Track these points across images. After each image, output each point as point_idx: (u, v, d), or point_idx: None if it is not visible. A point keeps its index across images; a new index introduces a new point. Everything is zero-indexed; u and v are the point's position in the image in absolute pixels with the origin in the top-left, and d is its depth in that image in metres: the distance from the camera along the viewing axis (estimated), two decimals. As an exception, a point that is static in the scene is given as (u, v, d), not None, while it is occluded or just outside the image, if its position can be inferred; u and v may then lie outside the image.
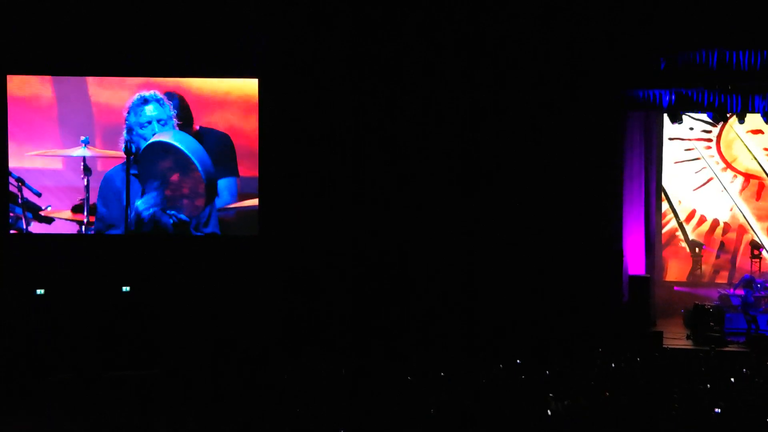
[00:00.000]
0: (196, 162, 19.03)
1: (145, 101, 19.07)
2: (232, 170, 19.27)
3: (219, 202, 19.26)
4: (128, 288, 18.63)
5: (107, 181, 19.11)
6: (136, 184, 19.01)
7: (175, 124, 19.10)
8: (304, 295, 18.92)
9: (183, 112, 19.18)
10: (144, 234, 19.04)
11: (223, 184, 19.26)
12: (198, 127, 19.22)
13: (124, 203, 18.97)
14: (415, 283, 19.12)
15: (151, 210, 18.97)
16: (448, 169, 19.20)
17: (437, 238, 19.11)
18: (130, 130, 19.04)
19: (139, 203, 18.99)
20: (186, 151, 19.01)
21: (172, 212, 19.02)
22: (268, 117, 19.16)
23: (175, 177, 19.12)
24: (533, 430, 11.61)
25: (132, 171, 18.97)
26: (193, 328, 18.16)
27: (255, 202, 19.31)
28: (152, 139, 19.03)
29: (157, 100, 19.07)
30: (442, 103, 19.14)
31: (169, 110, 19.07)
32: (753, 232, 21.51)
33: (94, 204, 19.03)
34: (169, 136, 19.09)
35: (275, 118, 19.11)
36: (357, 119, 19.19)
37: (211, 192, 19.20)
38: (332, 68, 19.04)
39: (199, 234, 19.16)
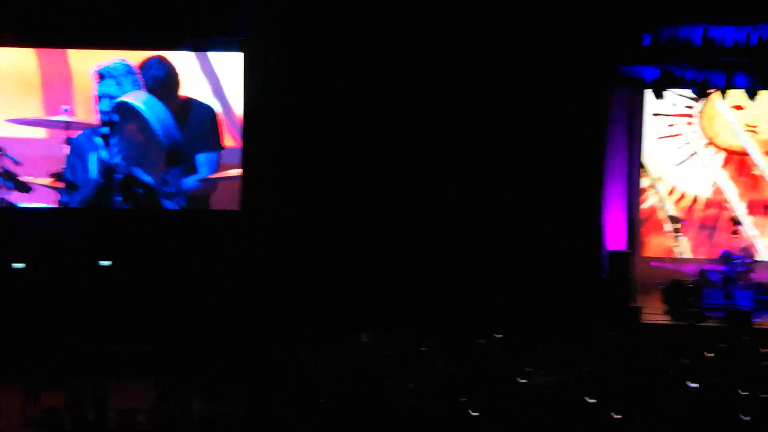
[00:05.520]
0: (156, 127, 19.06)
1: (101, 76, 19.07)
2: (214, 144, 19.28)
3: (199, 175, 19.29)
4: (108, 263, 18.62)
5: (75, 146, 19.14)
6: (103, 146, 19.09)
7: (145, 89, 19.09)
8: (290, 272, 18.90)
9: (168, 80, 19.17)
10: (116, 200, 19.12)
11: (204, 158, 19.26)
12: (181, 97, 19.22)
13: (90, 165, 19.06)
14: (401, 256, 19.13)
15: (117, 160, 18.93)
16: (435, 142, 19.18)
17: (424, 210, 19.11)
18: (99, 99, 19.06)
19: (104, 153, 18.97)
20: (146, 115, 19.06)
21: (138, 170, 19.04)
22: (254, 91, 19.12)
23: (139, 138, 19.16)
24: (513, 403, 11.69)
25: (101, 132, 19.01)
26: (175, 305, 18.16)
27: (236, 172, 19.34)
28: (120, 99, 19.08)
29: (124, 73, 19.05)
30: (429, 77, 19.09)
31: (136, 79, 19.04)
32: (733, 208, 21.62)
33: (65, 169, 19.07)
34: (134, 97, 19.10)
35: (260, 92, 19.06)
36: (348, 92, 19.10)
37: (174, 159, 19.20)
38: (318, 42, 18.97)
39: (167, 202, 19.15)
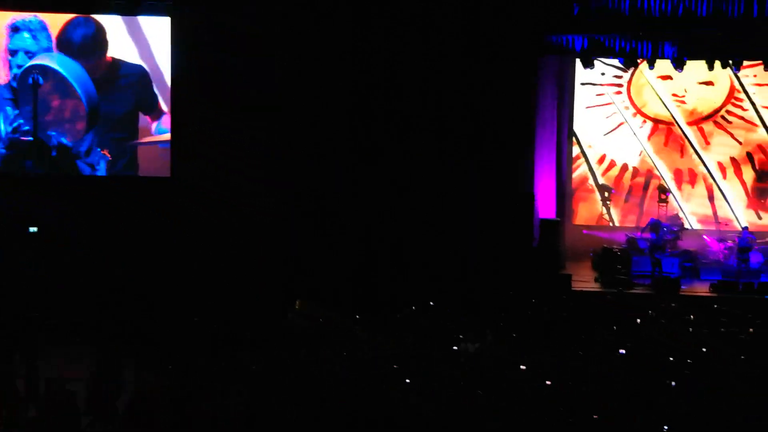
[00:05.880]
0: (75, 85, 18.75)
1: (16, 29, 18.71)
2: (152, 109, 19.08)
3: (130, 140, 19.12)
4: (35, 229, 18.32)
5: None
6: (13, 109, 18.76)
7: (55, 49, 18.78)
8: (217, 242, 18.76)
9: (97, 38, 18.85)
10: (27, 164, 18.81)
11: (137, 123, 19.07)
12: (111, 58, 18.93)
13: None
14: (330, 228, 19.04)
15: (16, 125, 18.62)
16: (360, 110, 19.10)
17: (351, 177, 19.05)
18: (13, 53, 18.71)
19: (11, 113, 18.69)
20: (66, 75, 18.72)
21: (53, 133, 18.73)
22: (181, 56, 18.88)
23: (55, 101, 18.81)
24: (446, 370, 11.73)
25: (8, 96, 18.67)
26: (102, 272, 17.95)
27: (165, 137, 19.16)
28: (32, 62, 18.70)
29: (38, 28, 18.73)
30: (359, 44, 18.97)
31: (50, 35, 18.70)
32: (660, 177, 21.88)
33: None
34: (49, 59, 18.73)
35: (188, 57, 18.83)
36: (271, 56, 18.91)
37: (93, 117, 18.89)
38: (244, 6, 18.76)
39: (82, 164, 18.88)
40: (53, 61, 18.77)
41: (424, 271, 18.35)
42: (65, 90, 18.85)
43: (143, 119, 19.16)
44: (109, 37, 18.97)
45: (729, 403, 10.18)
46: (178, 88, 18.97)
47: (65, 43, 18.86)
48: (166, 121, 19.09)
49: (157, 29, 19.01)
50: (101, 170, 19.05)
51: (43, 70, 18.78)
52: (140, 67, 19.03)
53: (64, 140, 18.86)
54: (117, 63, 18.99)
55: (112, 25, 19.01)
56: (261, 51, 18.82)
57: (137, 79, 19.02)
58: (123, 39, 19.01)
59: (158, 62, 19.06)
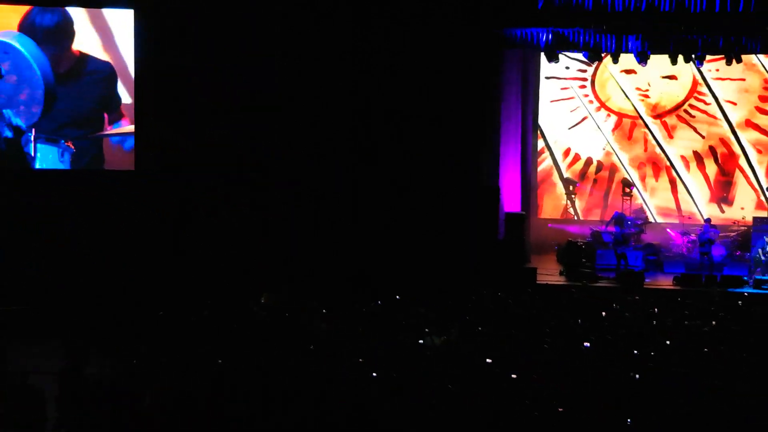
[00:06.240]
0: (35, 66, 18.55)
1: None
2: (114, 103, 18.90)
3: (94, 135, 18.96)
4: None
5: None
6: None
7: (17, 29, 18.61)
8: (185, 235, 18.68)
9: (63, 26, 18.66)
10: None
11: (102, 117, 18.89)
12: (78, 52, 18.76)
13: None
14: (296, 218, 19.01)
15: None
16: (326, 101, 19.07)
17: (317, 169, 19.03)
18: None
19: None
20: (25, 53, 18.52)
21: (8, 112, 18.53)
22: (144, 48, 18.76)
23: (12, 78, 18.62)
24: (411, 364, 11.72)
25: None
26: (66, 265, 17.84)
27: (130, 129, 19.03)
28: None
29: None
30: (318, 43, 18.93)
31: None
32: (624, 171, 22.00)
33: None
34: (9, 36, 18.54)
35: (152, 49, 18.71)
36: (236, 53, 18.85)
37: (50, 101, 18.69)
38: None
39: (27, 151, 18.71)
40: (14, 40, 18.55)
41: (390, 265, 18.36)
42: (24, 70, 18.60)
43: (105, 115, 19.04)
44: (75, 28, 18.79)
45: (695, 394, 10.24)
46: (141, 81, 18.83)
47: (28, 27, 18.64)
48: (125, 122, 18.94)
49: (122, 22, 18.84)
50: (66, 163, 18.87)
51: (4, 47, 18.56)
52: (107, 64, 18.85)
53: (18, 122, 18.64)
54: (84, 57, 18.79)
55: (79, 16, 18.82)
56: (227, 44, 18.73)
57: (103, 76, 18.84)
58: (89, 31, 18.83)
59: (123, 56, 18.90)
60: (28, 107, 18.70)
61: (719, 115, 21.70)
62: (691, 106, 21.83)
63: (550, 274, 19.67)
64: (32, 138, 18.72)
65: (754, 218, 20.30)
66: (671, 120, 21.89)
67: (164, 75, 18.66)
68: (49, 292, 16.98)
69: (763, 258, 19.22)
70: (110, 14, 18.87)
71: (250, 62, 18.83)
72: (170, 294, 16.10)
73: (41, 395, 10.96)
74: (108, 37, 18.86)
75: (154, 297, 15.93)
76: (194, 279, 17.62)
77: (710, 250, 19.62)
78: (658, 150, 21.92)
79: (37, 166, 18.78)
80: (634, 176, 21.96)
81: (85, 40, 18.84)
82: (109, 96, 18.93)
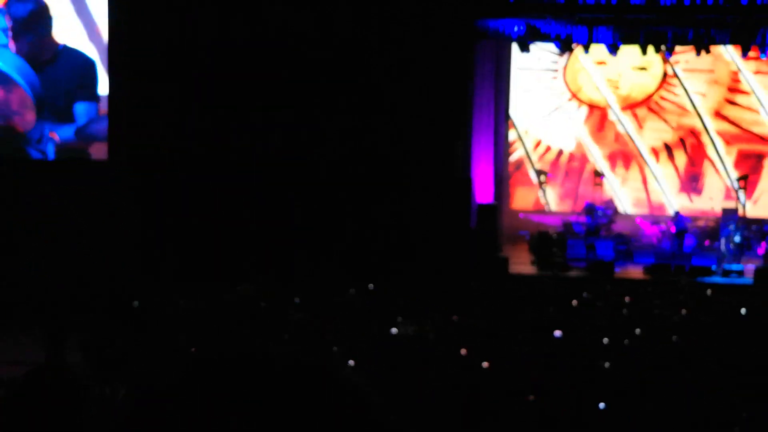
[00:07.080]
0: (17, 78, 18.49)
1: None
2: (92, 95, 18.82)
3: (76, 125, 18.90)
4: None
5: None
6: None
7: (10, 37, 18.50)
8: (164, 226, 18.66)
9: (40, 16, 18.57)
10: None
11: (82, 108, 18.81)
12: (61, 46, 18.67)
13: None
14: (268, 211, 19.03)
15: None
16: (295, 91, 19.07)
17: (288, 161, 19.04)
18: None
19: None
20: (6, 70, 18.48)
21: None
22: (119, 34, 18.70)
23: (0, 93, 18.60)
24: (381, 353, 11.82)
25: None
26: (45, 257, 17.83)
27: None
28: None
29: None
30: (294, 32, 18.93)
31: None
32: (595, 161, 22.17)
33: None
34: None
35: (126, 35, 18.65)
36: (218, 37, 18.81)
37: (41, 105, 18.67)
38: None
39: (34, 151, 18.66)
40: None
41: (362, 255, 18.43)
42: (7, 84, 18.58)
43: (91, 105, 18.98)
44: (53, 13, 18.68)
45: (664, 384, 10.39)
46: (115, 68, 18.77)
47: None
48: (103, 111, 18.94)
49: (102, 8, 18.77)
50: (50, 154, 18.81)
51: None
52: (85, 54, 18.77)
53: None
54: (64, 48, 18.69)
55: (58, 4, 18.71)
56: (199, 28, 18.69)
57: (84, 64, 18.77)
58: (70, 20, 18.73)
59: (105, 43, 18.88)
60: (22, 116, 18.76)
61: (689, 106, 21.89)
62: (661, 97, 22.01)
63: (522, 263, 19.82)
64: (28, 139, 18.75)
65: (723, 209, 20.50)
66: (642, 111, 22.06)
67: (139, 62, 18.57)
68: (27, 282, 16.95)
69: (726, 248, 19.44)
70: (92, 2, 18.74)
71: (225, 48, 18.79)
72: (146, 285, 16.14)
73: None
74: (90, 24, 18.73)
75: (129, 288, 15.95)
76: (169, 270, 17.65)
77: (683, 240, 19.81)
78: (628, 140, 22.09)
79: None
80: (604, 166, 22.12)
81: (64, 28, 18.72)
82: (88, 84, 18.84)
